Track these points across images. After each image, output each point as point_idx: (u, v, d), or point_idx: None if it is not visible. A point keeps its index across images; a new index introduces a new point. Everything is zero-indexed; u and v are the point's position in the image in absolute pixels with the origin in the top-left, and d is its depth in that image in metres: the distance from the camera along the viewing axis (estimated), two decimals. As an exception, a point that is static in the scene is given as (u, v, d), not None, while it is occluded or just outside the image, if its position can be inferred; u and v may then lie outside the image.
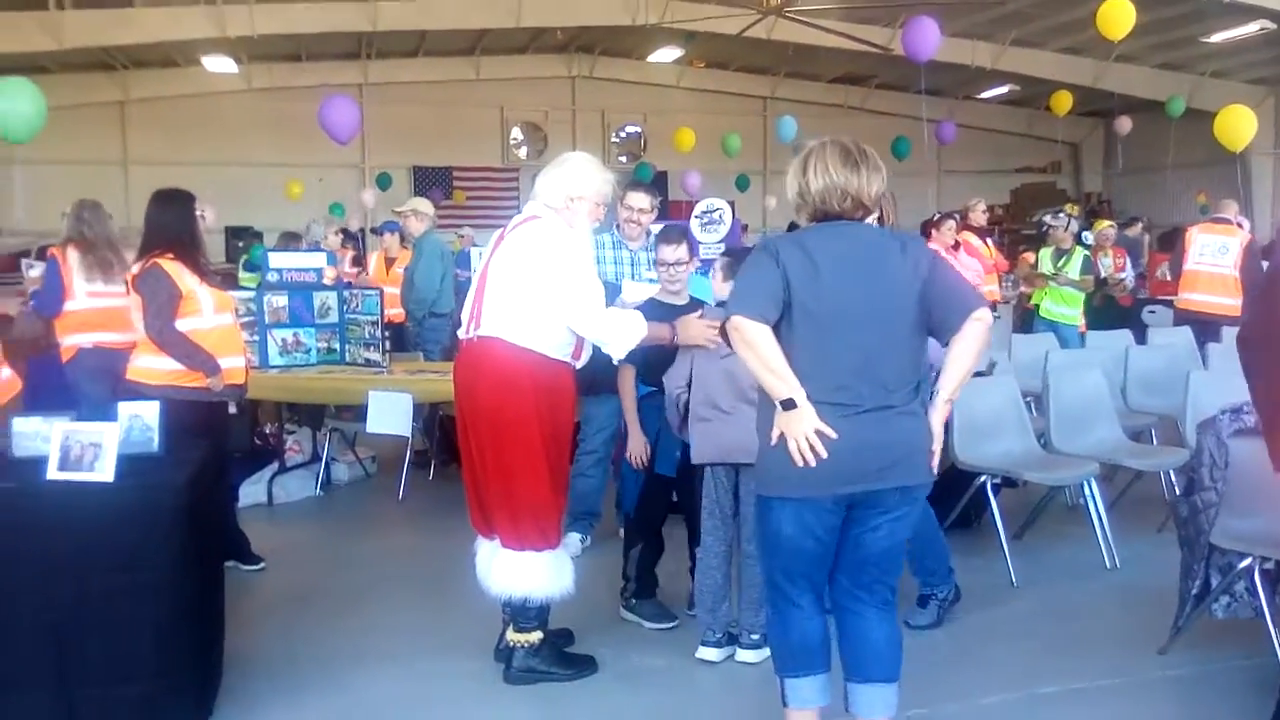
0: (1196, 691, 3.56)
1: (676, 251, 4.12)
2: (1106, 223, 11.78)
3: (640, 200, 5.09)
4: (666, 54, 19.06)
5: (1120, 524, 5.11)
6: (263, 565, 4.95)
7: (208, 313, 4.55)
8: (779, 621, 2.91)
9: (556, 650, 3.70)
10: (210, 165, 17.55)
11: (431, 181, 19.86)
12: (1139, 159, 19.76)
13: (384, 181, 18.81)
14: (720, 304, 3.69)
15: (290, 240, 9.48)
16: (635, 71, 20.48)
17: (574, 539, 4.87)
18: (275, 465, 6.28)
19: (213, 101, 18.77)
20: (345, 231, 11.81)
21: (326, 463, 6.51)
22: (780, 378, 2.66)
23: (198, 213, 4.71)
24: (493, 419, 3.44)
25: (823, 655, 2.87)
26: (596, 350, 3.70)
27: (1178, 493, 4.07)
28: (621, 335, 3.56)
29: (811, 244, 2.74)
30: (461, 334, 3.64)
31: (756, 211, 19.28)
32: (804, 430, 2.65)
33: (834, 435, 2.65)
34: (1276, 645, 3.43)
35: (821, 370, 2.68)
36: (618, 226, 5.16)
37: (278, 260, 6.90)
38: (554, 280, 3.45)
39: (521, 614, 3.57)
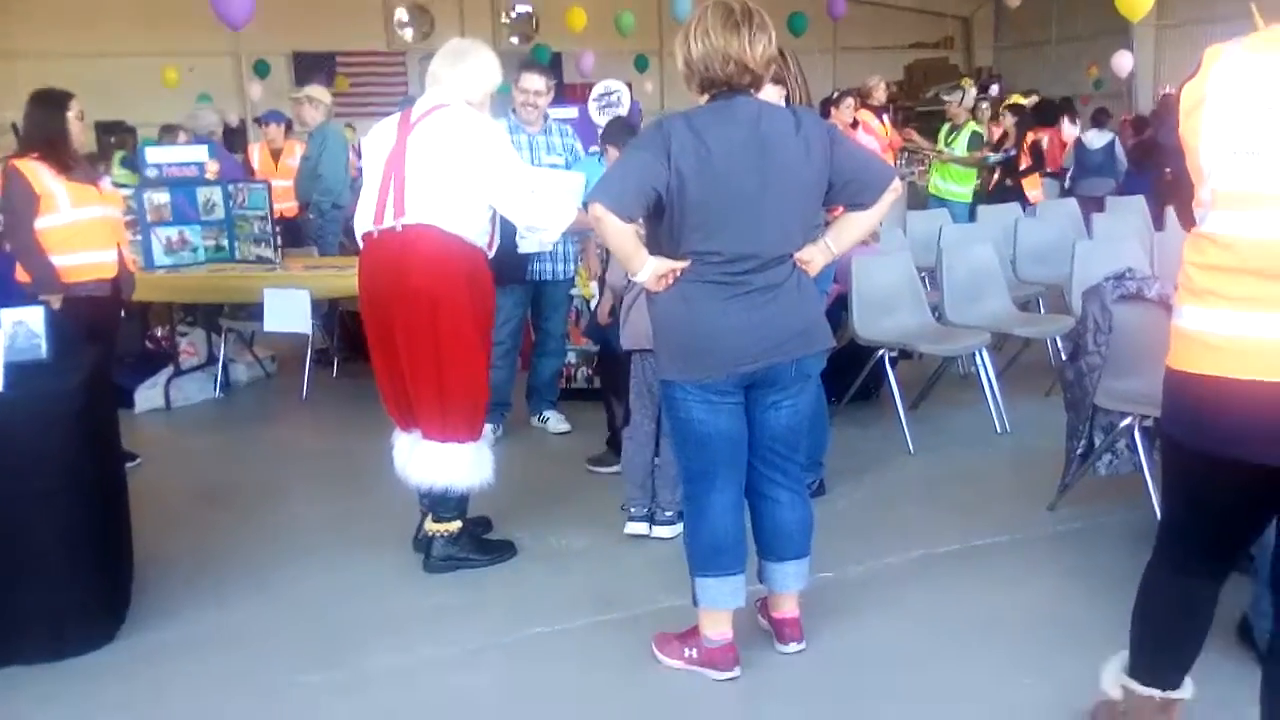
0: (1083, 543, 3.79)
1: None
2: (1021, 98, 11.73)
3: (535, 82, 4.97)
4: (556, -74, 18.39)
5: (1010, 390, 5.35)
6: (138, 461, 4.85)
7: (64, 209, 4.53)
8: (693, 518, 2.89)
9: (475, 537, 3.75)
10: (74, 57, 16.41)
11: (313, 68, 18.90)
12: (1028, 33, 20.01)
13: (262, 69, 17.93)
14: None
15: (169, 133, 8.97)
16: (524, -54, 19.72)
17: (486, 430, 4.86)
18: (170, 369, 6.10)
19: (72, -15, 17.49)
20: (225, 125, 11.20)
21: (224, 364, 6.36)
22: (632, 260, 2.69)
23: (71, 112, 4.54)
24: (430, 308, 3.36)
25: (736, 555, 2.85)
26: (501, 240, 3.66)
27: (1064, 358, 4.25)
28: (555, 218, 3.54)
29: (703, 127, 2.64)
30: (373, 225, 3.46)
31: (652, 95, 18.99)
32: (662, 269, 2.69)
33: (684, 264, 2.69)
34: (1153, 497, 3.66)
35: (711, 253, 2.67)
36: (513, 110, 5.04)
37: (155, 155, 6.58)
38: (485, 166, 3.39)
39: (441, 504, 3.59)
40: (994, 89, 12.43)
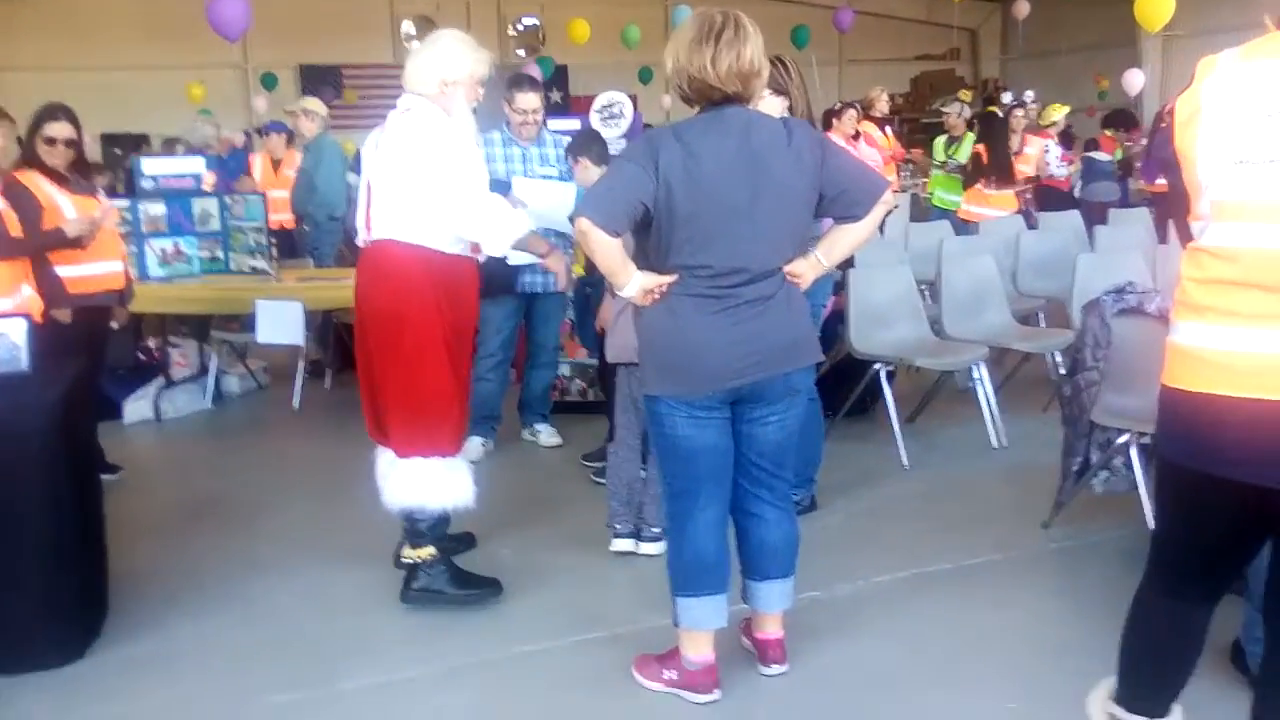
0: (1076, 561, 3.72)
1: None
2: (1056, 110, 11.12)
3: (531, 102, 4.95)
4: (562, -60, 18.41)
5: (1008, 405, 5.28)
6: (120, 473, 4.78)
7: (71, 220, 4.45)
8: (675, 536, 2.82)
9: (457, 570, 3.54)
10: (81, 70, 16.50)
11: (320, 81, 18.97)
12: (1036, 43, 19.92)
13: (269, 82, 17.94)
14: None
15: (169, 146, 9.01)
16: (530, -40, 19.75)
17: (475, 443, 4.82)
18: (161, 380, 6.07)
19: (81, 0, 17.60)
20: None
21: (216, 375, 6.32)
22: (618, 276, 2.65)
23: (45, 130, 4.45)
24: (390, 321, 3.28)
25: (719, 575, 2.77)
26: None
27: (1062, 373, 4.18)
28: (497, 231, 3.32)
29: (692, 139, 2.60)
30: (359, 241, 3.47)
31: (657, 108, 18.93)
32: (649, 284, 2.64)
33: (671, 279, 2.64)
34: (1147, 514, 3.59)
35: (700, 266, 2.62)
36: (507, 124, 5.01)
37: (151, 166, 6.57)
38: (430, 171, 3.23)
39: (413, 527, 3.44)
40: (1029, 95, 12.04)
